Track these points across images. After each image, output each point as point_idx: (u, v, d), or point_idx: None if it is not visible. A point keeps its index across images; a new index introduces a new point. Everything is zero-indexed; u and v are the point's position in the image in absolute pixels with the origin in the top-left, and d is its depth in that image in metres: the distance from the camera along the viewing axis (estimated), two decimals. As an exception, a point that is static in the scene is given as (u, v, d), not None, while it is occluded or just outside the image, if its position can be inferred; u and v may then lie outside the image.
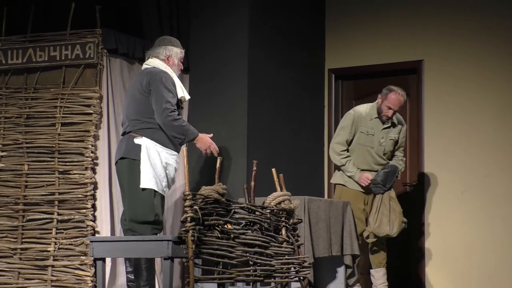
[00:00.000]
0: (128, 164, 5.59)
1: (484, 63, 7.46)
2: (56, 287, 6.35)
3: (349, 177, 6.75)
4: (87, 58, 6.55)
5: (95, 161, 6.48)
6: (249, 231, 4.60)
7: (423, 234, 7.55)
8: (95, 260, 4.65)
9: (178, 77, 5.84)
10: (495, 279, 7.23)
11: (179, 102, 5.76)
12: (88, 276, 6.28)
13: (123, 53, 6.71)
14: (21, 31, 6.76)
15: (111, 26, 6.70)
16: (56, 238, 6.41)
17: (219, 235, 4.36)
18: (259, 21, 7.23)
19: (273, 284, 4.75)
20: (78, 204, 6.42)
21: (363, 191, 6.76)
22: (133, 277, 5.62)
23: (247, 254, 4.53)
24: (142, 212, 5.52)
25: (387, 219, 6.62)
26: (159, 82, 5.60)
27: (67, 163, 6.49)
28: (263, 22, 7.30)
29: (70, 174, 6.47)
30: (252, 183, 4.85)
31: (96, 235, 6.37)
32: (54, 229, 6.43)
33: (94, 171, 6.47)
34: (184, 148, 4.60)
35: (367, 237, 6.72)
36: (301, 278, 4.92)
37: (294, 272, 4.90)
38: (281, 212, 4.91)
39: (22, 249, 6.46)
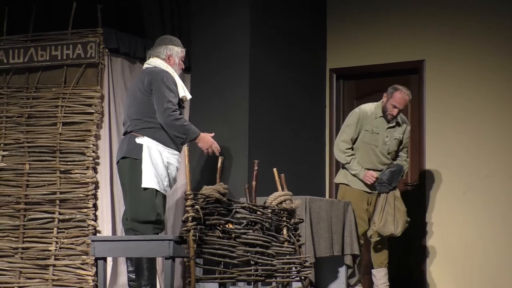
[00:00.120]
0: (129, 164, 5.59)
1: (486, 63, 7.46)
2: (57, 286, 6.35)
3: (354, 175, 6.76)
4: (89, 58, 6.55)
5: (96, 160, 6.48)
6: (251, 231, 4.60)
7: (424, 234, 7.55)
8: (96, 259, 4.66)
9: (179, 76, 5.84)
10: (497, 279, 7.22)
11: (181, 102, 5.76)
12: (89, 275, 6.28)
13: (124, 53, 6.71)
14: (23, 30, 6.76)
15: (112, 25, 6.70)
16: (57, 238, 6.41)
17: (221, 235, 4.37)
18: (260, 21, 7.23)
19: (274, 284, 4.76)
20: (80, 204, 6.42)
21: (366, 190, 6.76)
22: (134, 277, 5.62)
23: (248, 253, 4.53)
24: (143, 211, 5.52)
25: (392, 218, 6.63)
26: (160, 82, 5.60)
27: (69, 163, 6.49)
28: (264, 22, 7.29)
29: (71, 173, 6.47)
30: (254, 183, 4.86)
31: (98, 234, 6.37)
32: (55, 229, 6.43)
33: (95, 170, 6.47)
34: (185, 148, 4.60)
35: (371, 236, 6.73)
36: (302, 278, 4.92)
37: (295, 272, 4.90)
38: (282, 212, 4.91)
39: (23, 248, 6.47)
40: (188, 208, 4.22)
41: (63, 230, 6.42)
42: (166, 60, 5.80)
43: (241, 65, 7.05)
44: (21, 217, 6.51)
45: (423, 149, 7.64)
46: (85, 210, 6.40)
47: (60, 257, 6.39)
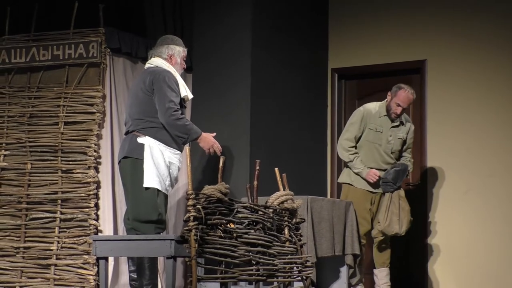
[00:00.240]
0: (131, 163, 5.59)
1: (487, 63, 7.45)
2: (59, 286, 6.36)
3: (356, 173, 6.76)
4: (90, 57, 6.56)
5: (98, 160, 6.49)
6: (252, 231, 4.60)
7: (426, 234, 7.55)
8: (97, 259, 4.66)
9: (181, 76, 5.84)
10: (498, 279, 7.22)
11: (182, 101, 5.76)
12: (91, 275, 6.29)
13: (126, 52, 6.72)
14: (25, 30, 6.76)
15: (114, 25, 6.70)
16: (59, 237, 6.41)
17: (222, 235, 4.37)
18: (262, 20, 7.23)
19: (275, 284, 4.76)
20: (81, 203, 6.43)
21: (370, 190, 6.76)
22: (136, 276, 5.62)
23: (250, 253, 4.53)
24: (145, 211, 5.52)
25: (396, 218, 6.64)
26: (162, 81, 5.60)
27: (70, 162, 6.50)
28: (266, 21, 7.29)
29: (73, 173, 6.48)
30: (255, 183, 4.86)
31: (99, 234, 6.38)
32: (57, 228, 6.44)
33: (97, 170, 6.48)
34: (187, 148, 4.61)
35: (376, 236, 6.74)
36: (304, 277, 4.92)
37: (297, 272, 4.90)
38: (284, 212, 4.91)
39: (25, 247, 6.47)
40: (189, 208, 4.22)
41: (65, 229, 6.42)
42: (168, 59, 5.81)
43: (242, 65, 7.06)
44: (22, 216, 6.51)
45: (425, 149, 7.64)
46: (87, 209, 6.40)
47: (62, 257, 6.39)
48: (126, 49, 6.70)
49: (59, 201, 6.47)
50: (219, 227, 4.37)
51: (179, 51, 5.86)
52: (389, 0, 7.95)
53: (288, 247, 4.86)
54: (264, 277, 4.63)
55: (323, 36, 8.14)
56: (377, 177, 6.69)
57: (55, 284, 6.36)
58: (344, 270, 6.57)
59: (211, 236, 4.29)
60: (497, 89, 7.41)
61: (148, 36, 6.99)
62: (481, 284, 7.28)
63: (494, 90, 7.42)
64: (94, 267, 6.26)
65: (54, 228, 6.44)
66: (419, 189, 7.62)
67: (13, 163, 6.60)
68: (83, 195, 6.42)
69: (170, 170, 5.64)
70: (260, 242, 4.62)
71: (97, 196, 6.45)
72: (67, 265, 6.37)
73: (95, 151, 6.46)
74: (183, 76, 6.09)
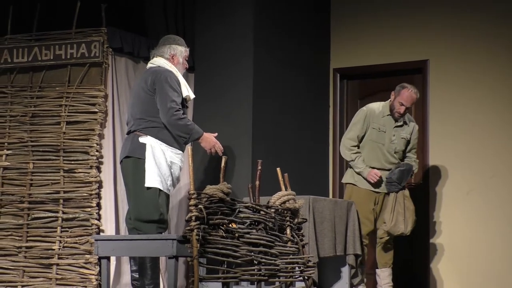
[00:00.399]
0: (133, 163, 5.59)
1: (489, 63, 7.45)
2: (60, 286, 6.36)
3: (358, 173, 6.77)
4: (93, 57, 6.56)
5: (100, 159, 6.49)
6: (254, 231, 4.60)
7: (428, 234, 7.54)
8: (99, 258, 4.66)
9: (183, 76, 5.84)
10: (501, 279, 7.22)
11: (184, 101, 5.76)
12: (93, 274, 6.29)
13: (128, 52, 6.72)
14: (27, 29, 6.76)
15: (116, 25, 6.70)
16: (61, 237, 6.42)
17: (224, 234, 4.37)
18: (264, 20, 7.23)
19: (277, 284, 4.76)
20: (83, 203, 6.43)
21: (373, 190, 6.77)
22: (137, 276, 5.62)
23: (252, 253, 4.53)
24: (146, 211, 5.52)
25: (402, 218, 6.65)
26: (164, 81, 5.60)
27: (72, 162, 6.50)
28: (268, 21, 7.29)
29: (75, 172, 6.48)
30: (257, 183, 4.86)
31: (101, 233, 6.38)
32: (59, 228, 6.44)
33: (99, 169, 6.48)
34: (189, 147, 4.60)
35: (381, 236, 6.75)
36: (306, 277, 4.92)
37: (299, 272, 4.90)
38: (285, 212, 4.91)
39: (27, 247, 6.47)
40: (191, 208, 4.22)
41: (67, 229, 6.43)
42: (170, 59, 5.80)
43: (244, 65, 7.06)
44: (24, 216, 6.52)
45: (427, 149, 7.64)
46: (89, 209, 6.40)
47: (64, 256, 6.39)
48: (128, 49, 6.70)
49: (61, 201, 6.47)
50: (221, 227, 4.37)
51: (181, 51, 5.86)
52: (391, 1, 7.95)
53: (290, 247, 4.86)
54: (266, 277, 4.63)
55: (325, 36, 8.14)
56: (377, 178, 6.70)
57: (57, 284, 6.36)
58: (346, 270, 6.57)
59: (213, 236, 4.29)
60: (499, 89, 7.41)
61: (150, 36, 6.99)
62: (484, 284, 7.28)
63: (496, 90, 7.41)
64: (96, 266, 6.26)
65: (56, 228, 6.45)
66: (422, 190, 7.62)
67: (15, 162, 6.60)
68: (85, 194, 6.43)
69: (172, 170, 5.64)
70: (262, 242, 4.62)
71: (99, 196, 6.46)
72: (69, 264, 6.37)
73: (97, 150, 6.46)
74: (185, 76, 6.09)
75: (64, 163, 6.51)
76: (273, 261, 4.67)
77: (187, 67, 5.99)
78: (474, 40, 7.52)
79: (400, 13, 7.87)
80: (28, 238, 6.49)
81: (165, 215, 5.60)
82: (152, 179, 5.53)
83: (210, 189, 4.36)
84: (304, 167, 7.58)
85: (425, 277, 7.52)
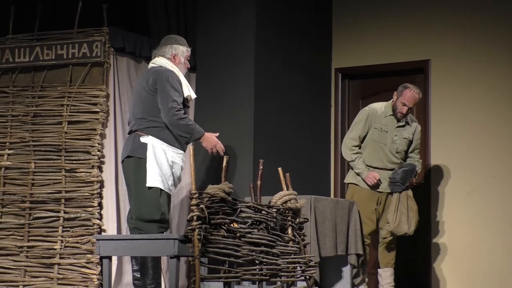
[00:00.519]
0: (134, 163, 5.60)
1: (491, 63, 7.45)
2: (62, 285, 6.36)
3: (357, 174, 6.78)
4: (94, 57, 6.56)
5: (101, 159, 6.49)
6: (255, 230, 4.60)
7: (429, 234, 7.54)
8: (101, 258, 4.66)
9: (184, 76, 5.84)
10: (502, 279, 7.22)
11: (185, 101, 5.76)
12: (94, 274, 6.29)
13: (130, 52, 6.72)
14: (28, 29, 6.77)
15: (118, 24, 6.70)
16: (62, 236, 6.42)
17: (225, 234, 4.37)
18: (265, 20, 7.23)
19: (279, 283, 4.76)
20: (85, 202, 6.43)
21: (376, 190, 6.77)
22: (139, 276, 5.63)
23: (253, 253, 4.53)
24: (148, 210, 5.52)
25: (405, 218, 6.65)
26: (165, 81, 5.60)
27: (74, 161, 6.50)
28: (269, 21, 7.29)
29: (76, 172, 6.48)
30: (259, 182, 4.86)
31: (103, 233, 6.38)
32: (60, 227, 6.44)
33: (100, 169, 6.48)
34: (190, 147, 4.61)
35: (385, 236, 6.75)
36: (307, 277, 4.92)
37: (300, 272, 4.90)
38: (287, 211, 4.91)
39: (28, 247, 6.48)
40: (193, 207, 4.22)
41: (68, 229, 6.43)
42: (171, 59, 5.80)
43: (246, 65, 7.06)
44: (26, 215, 6.52)
45: (428, 149, 7.64)
46: (90, 209, 6.41)
47: (65, 256, 6.40)
48: (130, 49, 6.70)
49: (63, 200, 6.47)
50: (222, 226, 4.37)
51: (182, 50, 5.86)
52: (392, 0, 7.94)
53: (292, 246, 4.86)
54: (267, 277, 4.63)
55: (326, 35, 8.14)
56: (376, 180, 6.71)
57: (59, 283, 6.36)
58: (347, 270, 6.57)
59: (214, 236, 4.29)
60: (500, 88, 7.40)
61: (152, 36, 6.99)
62: (485, 283, 7.28)
63: (498, 90, 7.41)
64: (98, 266, 6.26)
65: (57, 227, 6.45)
66: (423, 190, 7.61)
67: (17, 162, 6.60)
68: (86, 194, 6.43)
69: (173, 170, 5.64)
70: (263, 241, 4.62)
71: (100, 196, 6.46)
72: (71, 264, 6.37)
73: (98, 150, 6.47)
74: (187, 76, 6.09)
75: (65, 163, 6.51)
76: (274, 261, 4.67)
77: (189, 67, 5.99)
78: (474, 40, 7.53)
79: (402, 13, 7.87)
80: (30, 238, 6.49)
81: (167, 215, 5.60)
82: (153, 179, 5.53)
83: (211, 189, 4.36)
84: (305, 166, 7.58)
85: (426, 277, 7.52)
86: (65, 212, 6.45)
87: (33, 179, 6.55)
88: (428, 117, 7.66)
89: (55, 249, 6.41)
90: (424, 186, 7.63)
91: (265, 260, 4.61)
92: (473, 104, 7.49)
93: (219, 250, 4.30)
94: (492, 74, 7.44)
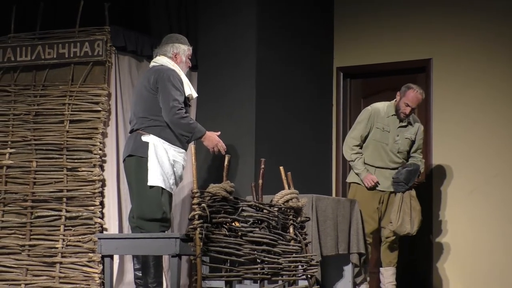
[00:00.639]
0: (135, 162, 5.60)
1: (493, 62, 7.44)
2: (64, 284, 6.37)
3: (356, 174, 6.79)
4: (96, 56, 6.56)
5: (103, 158, 6.49)
6: (257, 229, 4.60)
7: (431, 233, 7.54)
8: (103, 257, 4.67)
9: (186, 75, 5.84)
10: (503, 278, 7.21)
11: (187, 100, 5.76)
12: (96, 273, 6.29)
13: (131, 51, 6.72)
14: (30, 28, 6.77)
15: (119, 23, 6.70)
16: (64, 235, 6.42)
17: (227, 233, 4.37)
18: (267, 19, 7.23)
19: (280, 282, 4.76)
20: (86, 201, 6.43)
21: (378, 189, 6.77)
22: (140, 274, 5.63)
23: (255, 252, 4.53)
24: (149, 209, 5.53)
25: (408, 218, 6.66)
26: (166, 80, 5.61)
27: (75, 160, 6.50)
28: (271, 20, 7.29)
29: (78, 171, 6.48)
30: (260, 181, 4.86)
31: (104, 232, 6.38)
32: (62, 226, 6.45)
33: (102, 168, 6.48)
34: (192, 146, 4.61)
35: (388, 236, 6.75)
36: (309, 276, 4.92)
37: (302, 270, 4.90)
38: (288, 210, 4.91)
39: (30, 245, 6.48)
40: (194, 206, 4.22)
41: (70, 227, 6.43)
42: (172, 58, 5.81)
43: (247, 64, 7.06)
44: (28, 214, 6.52)
45: (430, 148, 7.64)
46: (92, 207, 6.41)
47: (67, 255, 6.40)
48: (132, 48, 6.70)
49: (64, 199, 6.48)
50: (224, 225, 4.37)
51: (184, 49, 5.86)
52: (394, 0, 7.94)
53: (293, 245, 4.87)
54: (269, 276, 4.63)
55: (328, 34, 8.13)
56: (373, 183, 6.73)
57: (60, 282, 6.36)
58: (349, 269, 6.57)
59: (216, 235, 4.29)
60: (502, 87, 7.40)
61: (153, 35, 6.99)
62: (487, 282, 7.28)
63: (500, 89, 7.40)
64: (99, 265, 6.26)
65: (59, 226, 6.45)
66: (424, 189, 7.61)
67: (19, 161, 6.61)
68: (88, 193, 6.43)
69: (175, 169, 5.64)
70: (265, 240, 4.62)
71: (102, 194, 6.46)
72: (72, 263, 6.38)
73: (100, 149, 6.47)
74: (188, 75, 6.09)
75: (67, 162, 6.51)
76: (276, 260, 4.67)
77: (190, 65, 5.99)
78: (475, 39, 7.52)
79: (404, 12, 7.86)
80: (32, 237, 6.50)
81: (168, 214, 5.61)
82: (155, 177, 5.54)
83: (213, 188, 4.36)
84: (307, 165, 7.58)
85: (428, 276, 7.52)
86: (66, 211, 6.45)
87: (34, 178, 6.56)
88: (430, 116, 7.66)
89: (57, 247, 6.41)
90: (426, 185, 7.63)
91: (266, 259, 4.61)
92: (475, 103, 7.49)
93: (220, 249, 4.30)
94: (494, 73, 7.43)
